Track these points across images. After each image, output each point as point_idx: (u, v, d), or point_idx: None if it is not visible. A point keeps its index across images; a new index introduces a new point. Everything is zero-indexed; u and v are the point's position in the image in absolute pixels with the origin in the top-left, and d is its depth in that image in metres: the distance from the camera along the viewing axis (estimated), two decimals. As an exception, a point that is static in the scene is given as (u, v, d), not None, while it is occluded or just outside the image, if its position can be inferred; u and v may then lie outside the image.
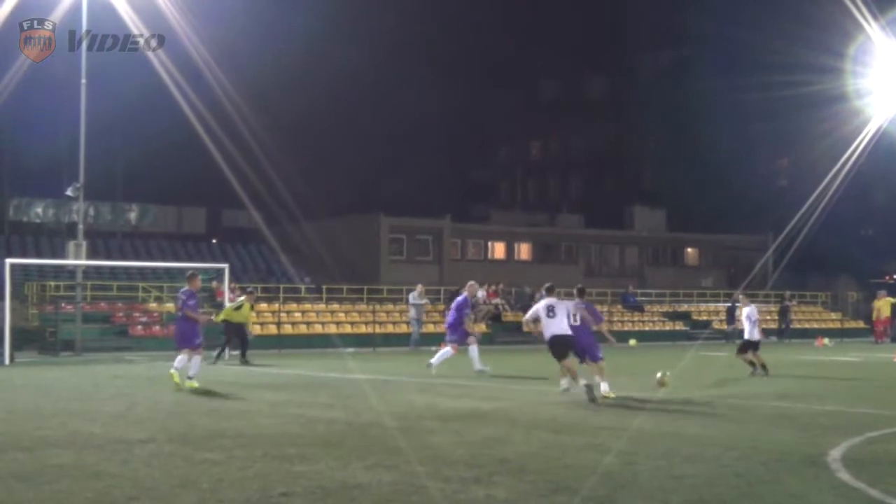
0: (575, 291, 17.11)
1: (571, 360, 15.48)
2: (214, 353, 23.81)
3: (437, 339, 32.06)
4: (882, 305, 39.16)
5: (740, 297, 23.18)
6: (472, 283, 22.15)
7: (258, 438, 10.88)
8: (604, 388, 15.30)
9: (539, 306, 15.79)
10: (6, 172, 48.07)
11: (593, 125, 68.93)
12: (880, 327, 39.17)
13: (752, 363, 20.46)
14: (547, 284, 16.55)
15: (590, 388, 14.72)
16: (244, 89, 33.01)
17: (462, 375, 20.02)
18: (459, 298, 21.43)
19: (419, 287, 33.80)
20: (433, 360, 20.34)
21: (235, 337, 24.68)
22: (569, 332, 15.37)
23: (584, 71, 71.91)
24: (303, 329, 33.45)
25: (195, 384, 16.68)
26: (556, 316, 15.35)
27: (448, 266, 51.61)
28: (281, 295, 36.55)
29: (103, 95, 32.58)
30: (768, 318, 43.82)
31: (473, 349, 20.78)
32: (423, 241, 52.40)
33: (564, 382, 16.10)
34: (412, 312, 32.98)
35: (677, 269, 59.89)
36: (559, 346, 15.35)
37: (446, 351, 20.66)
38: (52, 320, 29.43)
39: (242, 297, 25.02)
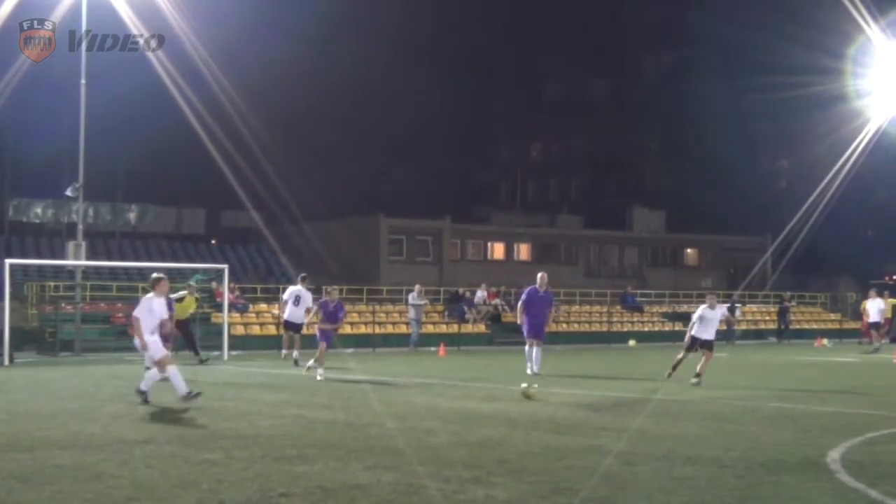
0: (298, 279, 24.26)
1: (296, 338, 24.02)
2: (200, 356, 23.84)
3: (436, 340, 32.09)
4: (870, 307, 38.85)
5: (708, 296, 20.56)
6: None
7: (258, 439, 10.88)
8: (310, 362, 19.98)
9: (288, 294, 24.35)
10: (6, 173, 48.07)
11: (594, 126, 68.91)
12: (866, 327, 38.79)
13: (677, 365, 18.92)
14: (301, 274, 25.00)
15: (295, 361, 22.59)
16: (244, 90, 33.03)
17: (462, 377, 20.03)
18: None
19: (418, 287, 33.79)
20: (536, 368, 20.24)
21: (180, 335, 22.89)
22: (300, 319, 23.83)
23: (586, 72, 71.93)
24: (302, 329, 33.36)
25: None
26: (298, 305, 23.86)
27: (448, 267, 51.64)
28: (280, 295, 36.51)
29: (103, 96, 32.56)
30: (768, 318, 43.95)
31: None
32: (423, 241, 52.43)
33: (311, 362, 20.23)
34: (412, 313, 32.99)
35: (677, 269, 59.93)
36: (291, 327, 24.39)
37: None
38: (52, 321, 29.39)
39: (184, 291, 23.35)
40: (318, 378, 18.83)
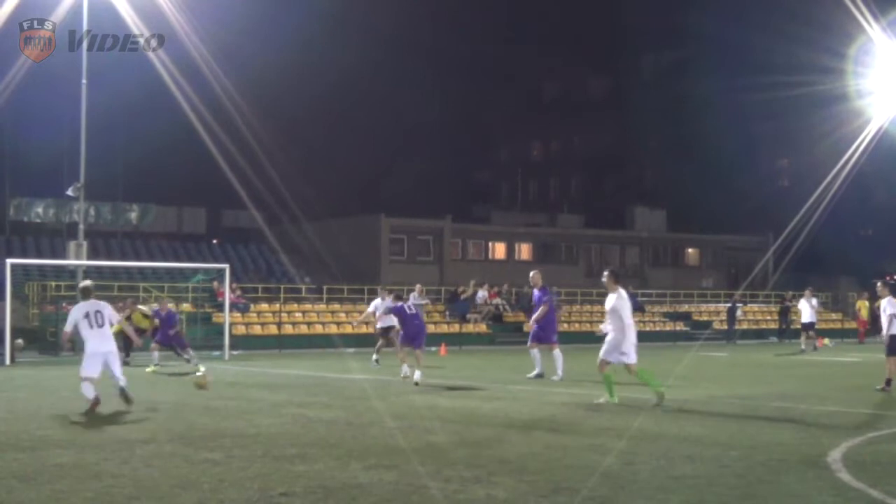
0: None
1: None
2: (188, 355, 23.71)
3: (437, 340, 32.07)
4: (862, 306, 39.25)
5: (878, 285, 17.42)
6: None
7: (258, 438, 10.88)
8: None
9: None
10: (7, 172, 48.06)
11: (594, 125, 68.93)
12: (862, 328, 39.12)
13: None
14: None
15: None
16: (244, 89, 33.02)
17: (461, 376, 20.02)
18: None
19: (419, 287, 33.74)
20: (559, 374, 19.05)
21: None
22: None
23: (586, 71, 71.95)
24: (303, 329, 33.45)
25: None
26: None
27: (448, 266, 51.64)
28: (281, 295, 36.55)
29: (104, 95, 32.58)
30: (769, 317, 43.94)
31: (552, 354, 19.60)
32: (424, 241, 52.44)
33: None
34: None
35: (678, 269, 59.91)
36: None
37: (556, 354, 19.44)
38: (53, 320, 29.42)
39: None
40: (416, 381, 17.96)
